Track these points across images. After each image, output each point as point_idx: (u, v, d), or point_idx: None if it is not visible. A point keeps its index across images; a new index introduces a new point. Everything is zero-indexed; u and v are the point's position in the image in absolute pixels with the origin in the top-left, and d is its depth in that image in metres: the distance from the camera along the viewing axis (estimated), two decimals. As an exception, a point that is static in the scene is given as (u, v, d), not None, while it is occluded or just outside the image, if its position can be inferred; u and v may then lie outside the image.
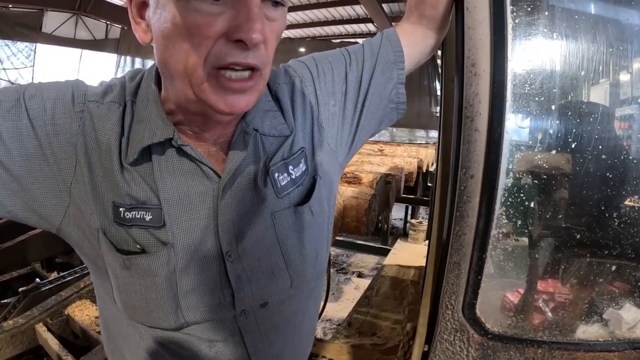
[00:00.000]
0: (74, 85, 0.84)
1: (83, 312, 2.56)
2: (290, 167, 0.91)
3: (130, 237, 0.82)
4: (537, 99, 0.99)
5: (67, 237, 0.86)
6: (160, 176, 0.82)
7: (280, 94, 0.96)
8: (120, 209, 0.81)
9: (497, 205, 1.00)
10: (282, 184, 0.90)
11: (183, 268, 0.83)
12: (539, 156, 1.01)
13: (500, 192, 0.99)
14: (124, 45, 14.73)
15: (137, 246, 0.82)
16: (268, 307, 0.94)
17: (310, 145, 0.96)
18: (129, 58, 15.13)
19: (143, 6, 0.78)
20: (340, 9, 14.14)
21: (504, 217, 1.03)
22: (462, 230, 1.02)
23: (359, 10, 13.59)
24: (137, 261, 0.81)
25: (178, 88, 0.77)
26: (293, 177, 0.91)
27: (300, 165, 0.93)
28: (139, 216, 0.81)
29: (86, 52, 14.49)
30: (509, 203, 1.02)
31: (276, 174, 0.89)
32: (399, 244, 5.12)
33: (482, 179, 0.98)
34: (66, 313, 2.56)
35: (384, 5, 10.27)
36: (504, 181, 0.99)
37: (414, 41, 1.08)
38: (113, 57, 15.08)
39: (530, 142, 1.01)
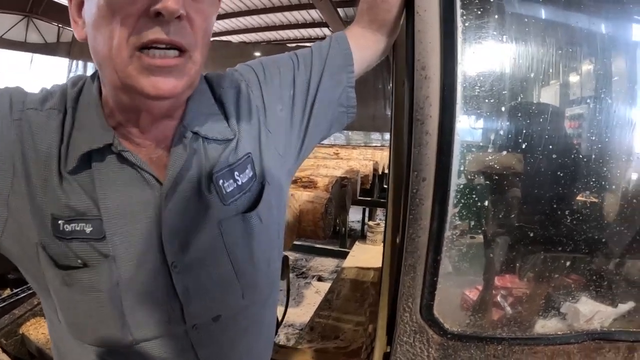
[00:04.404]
0: (13, 92, 0.81)
1: (38, 331, 2.42)
2: (236, 173, 0.89)
3: (71, 251, 0.78)
4: (487, 101, 1.00)
5: (8, 253, 0.82)
6: (101, 185, 0.78)
7: (225, 98, 0.94)
8: (59, 222, 0.77)
9: (450, 207, 1.00)
10: (228, 190, 0.87)
11: (127, 282, 0.80)
12: (491, 157, 1.02)
13: (452, 194, 0.99)
14: (76, 49, 14.14)
15: (79, 260, 0.78)
16: (221, 321, 0.91)
17: (257, 151, 0.94)
18: (81, 62, 14.63)
19: (81, 5, 0.77)
20: (295, 13, 14.12)
21: (457, 218, 1.03)
22: (416, 232, 1.02)
23: (315, 14, 13.63)
24: (78, 276, 0.77)
25: (107, 76, 0.76)
26: (239, 183, 0.89)
27: (247, 171, 0.91)
28: (78, 228, 0.77)
29: (38, 56, 13.93)
30: (462, 204, 1.03)
31: (221, 181, 0.86)
32: (357, 246, 5.16)
33: (434, 182, 0.98)
34: (21, 332, 2.42)
35: (339, 10, 10.34)
36: (456, 183, 0.99)
37: (364, 44, 1.07)
38: (65, 61, 14.56)
39: (482, 144, 1.02)
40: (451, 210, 1.01)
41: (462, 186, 1.01)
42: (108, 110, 0.81)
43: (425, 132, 0.97)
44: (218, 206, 0.86)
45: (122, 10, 0.68)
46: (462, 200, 1.02)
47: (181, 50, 0.73)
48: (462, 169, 1.00)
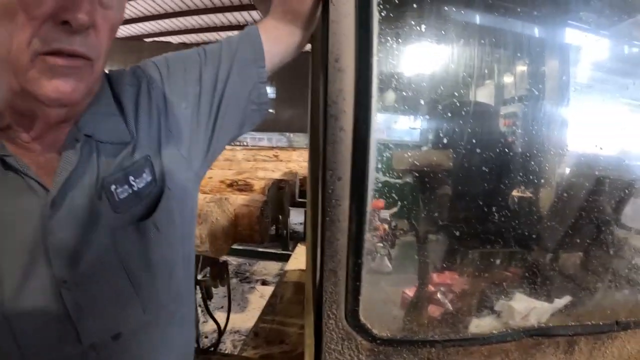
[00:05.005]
0: None
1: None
2: (131, 177, 0.81)
3: None
4: (404, 94, 0.97)
5: None
6: None
7: (124, 97, 0.87)
8: None
9: (369, 207, 0.96)
10: (121, 197, 0.80)
11: (13, 301, 0.71)
12: (409, 153, 0.99)
13: (370, 194, 0.95)
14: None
15: None
16: (122, 339, 0.82)
17: (157, 153, 0.87)
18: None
19: None
20: (237, 14, 14.07)
21: (377, 218, 0.99)
22: (334, 235, 0.97)
23: (256, 15, 13.59)
24: None
25: (4, 79, 0.70)
26: (135, 188, 0.82)
27: (144, 175, 0.83)
28: None
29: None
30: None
31: (113, 186, 0.79)
32: (300, 249, 5.13)
33: (350, 181, 0.94)
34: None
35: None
36: (373, 182, 0.95)
37: (278, 37, 1.02)
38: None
39: (399, 140, 0.99)
40: (370, 210, 0.96)
41: (380, 185, 0.98)
42: None
43: (339, 129, 0.92)
44: (110, 214, 0.79)
45: (26, 12, 0.64)
46: (381, 200, 0.99)
47: (84, 58, 0.70)
48: (379, 166, 0.96)
